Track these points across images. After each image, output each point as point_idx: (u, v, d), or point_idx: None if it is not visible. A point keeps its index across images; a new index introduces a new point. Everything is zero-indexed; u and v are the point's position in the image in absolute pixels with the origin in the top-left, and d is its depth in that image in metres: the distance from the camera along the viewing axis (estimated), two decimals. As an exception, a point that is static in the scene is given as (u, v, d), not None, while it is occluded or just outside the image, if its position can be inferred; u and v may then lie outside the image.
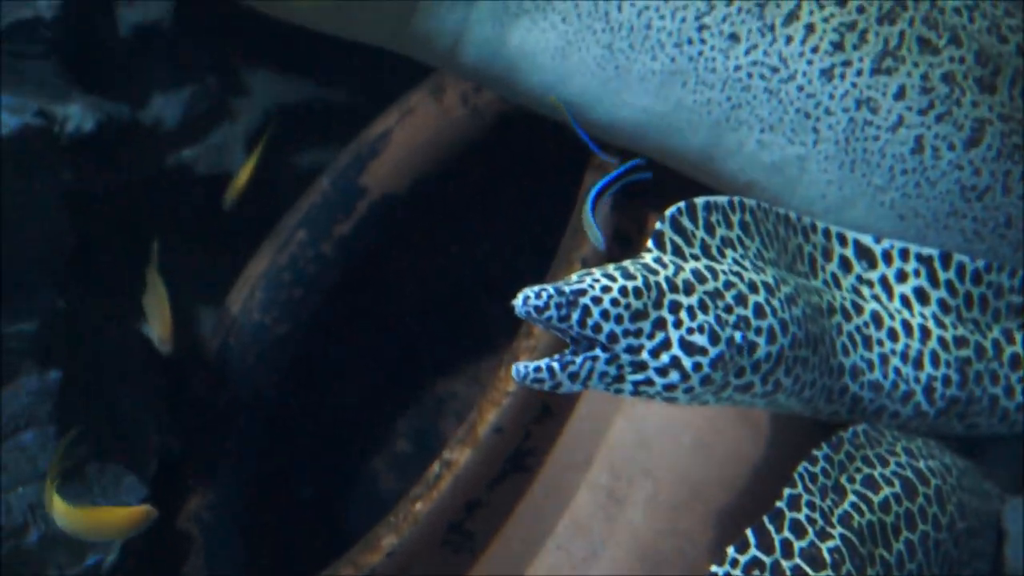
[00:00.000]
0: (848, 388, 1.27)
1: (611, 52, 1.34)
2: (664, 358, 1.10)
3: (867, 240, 1.32)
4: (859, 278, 1.33)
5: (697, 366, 1.11)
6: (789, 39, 1.34)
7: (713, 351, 1.12)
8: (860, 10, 1.34)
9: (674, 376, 1.11)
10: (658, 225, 1.15)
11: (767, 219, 1.23)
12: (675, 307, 1.11)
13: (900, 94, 1.34)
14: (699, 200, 1.17)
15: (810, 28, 1.34)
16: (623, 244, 1.39)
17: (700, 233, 1.17)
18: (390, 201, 1.73)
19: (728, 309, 1.14)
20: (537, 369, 1.07)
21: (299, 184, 1.83)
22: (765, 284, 1.18)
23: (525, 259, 1.80)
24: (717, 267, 1.16)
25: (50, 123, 1.54)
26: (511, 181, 1.77)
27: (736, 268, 1.17)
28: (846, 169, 1.36)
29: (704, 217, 1.18)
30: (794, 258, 1.27)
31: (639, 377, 1.10)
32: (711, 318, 1.12)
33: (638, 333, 1.10)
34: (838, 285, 1.31)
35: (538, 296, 1.07)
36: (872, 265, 1.32)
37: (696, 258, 1.16)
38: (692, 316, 1.12)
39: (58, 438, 1.42)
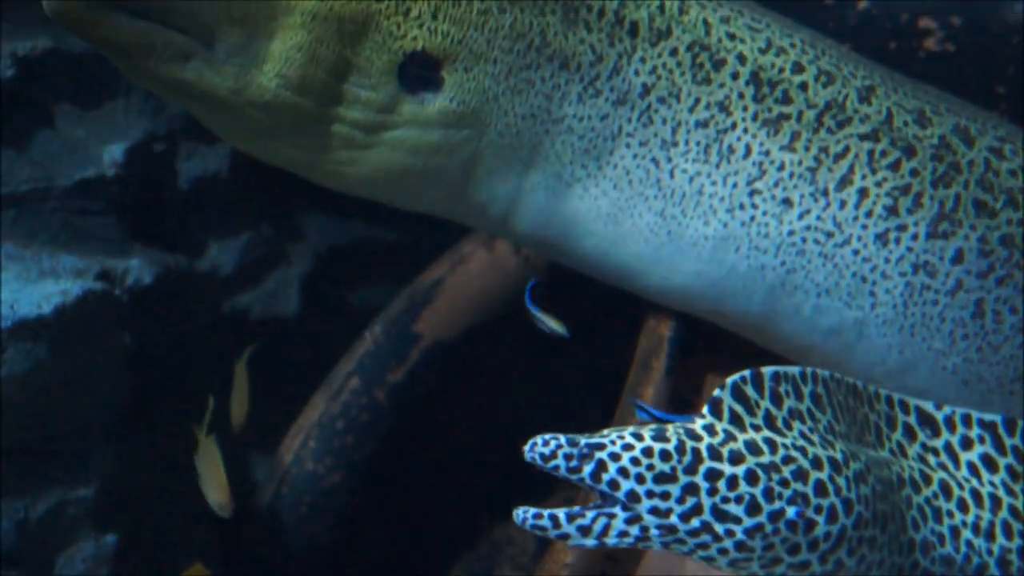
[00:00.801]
0: (919, 564, 1.24)
1: (663, 218, 1.35)
2: (695, 522, 1.08)
3: (928, 406, 1.30)
4: (924, 446, 1.30)
5: (730, 532, 1.08)
6: (843, 203, 1.34)
7: (749, 521, 1.09)
8: (913, 173, 1.34)
9: (706, 537, 1.08)
10: (716, 392, 1.13)
11: (839, 390, 1.22)
12: (713, 475, 1.09)
13: (958, 258, 1.33)
14: (767, 369, 1.15)
15: (863, 192, 1.34)
16: (681, 407, 1.38)
17: (765, 403, 1.15)
18: (443, 348, 1.74)
19: (784, 483, 1.12)
20: (537, 515, 1.04)
21: (351, 326, 1.85)
22: (831, 460, 1.16)
23: (582, 405, 1.79)
24: (778, 440, 1.14)
25: (111, 284, 1.58)
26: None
27: (801, 443, 1.16)
28: (906, 333, 1.34)
29: (771, 387, 1.16)
30: (863, 429, 1.25)
31: (669, 538, 1.07)
32: (758, 490, 1.10)
33: (664, 496, 1.07)
34: (904, 454, 1.29)
35: (545, 444, 1.05)
36: (935, 432, 1.30)
37: (758, 428, 1.15)
38: (732, 486, 1.09)
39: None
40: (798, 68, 1.35)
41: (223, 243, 1.79)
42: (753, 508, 1.09)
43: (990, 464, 1.31)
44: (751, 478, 1.10)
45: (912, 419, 1.29)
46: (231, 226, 1.80)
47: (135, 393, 1.57)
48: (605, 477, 1.05)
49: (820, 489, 1.14)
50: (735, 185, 1.34)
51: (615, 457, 1.06)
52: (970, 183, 1.34)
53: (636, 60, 1.33)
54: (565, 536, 1.05)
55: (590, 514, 1.05)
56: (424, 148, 1.30)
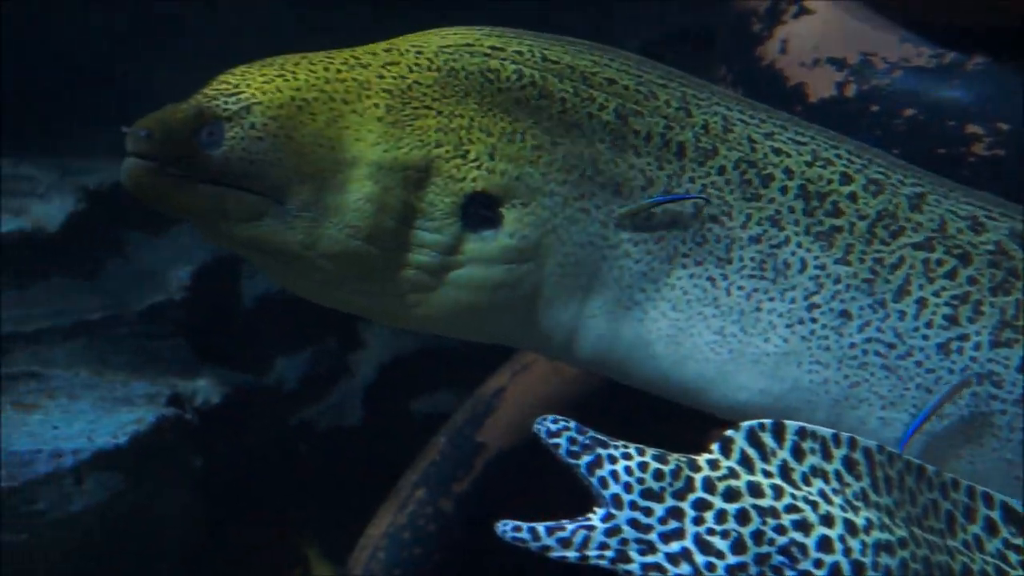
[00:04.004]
0: None
1: (723, 336, 1.36)
2: (675, 546, 1.09)
3: (1015, 504, 1.27)
4: (1006, 543, 1.28)
5: (711, 566, 1.09)
6: (902, 314, 1.34)
7: (732, 559, 1.09)
8: (971, 281, 1.33)
9: (686, 568, 1.09)
10: (729, 432, 1.15)
11: (890, 465, 1.21)
12: (701, 505, 1.10)
13: (1023, 366, 1.32)
14: (792, 423, 1.16)
15: (921, 303, 1.33)
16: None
17: (783, 454, 1.15)
18: (507, 457, 1.75)
19: (779, 530, 1.12)
20: (516, 528, 1.08)
21: (415, 435, 1.87)
22: (848, 522, 1.15)
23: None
24: (788, 489, 1.14)
25: (182, 408, 1.62)
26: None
27: (816, 498, 1.15)
28: (974, 444, 1.33)
29: (794, 441, 1.16)
30: (926, 512, 1.24)
31: (648, 560, 1.09)
32: (747, 530, 1.10)
33: (647, 512, 1.09)
34: (980, 548, 1.27)
35: (555, 422, 1.09)
36: (1021, 531, 1.27)
37: (768, 475, 1.15)
38: (720, 520, 1.10)
39: None
40: (846, 179, 1.36)
41: (288, 358, 1.83)
42: (738, 547, 1.09)
43: None
44: (742, 517, 1.10)
45: (996, 514, 1.26)
46: (295, 341, 1.84)
47: (206, 514, 1.61)
48: (598, 472, 1.09)
49: (824, 545, 1.12)
50: (793, 300, 1.35)
51: (612, 459, 1.10)
52: (1031, 289, 1.34)
53: (685, 180, 1.35)
54: (546, 548, 1.08)
55: (570, 526, 1.09)
56: (488, 284, 1.32)
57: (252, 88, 1.25)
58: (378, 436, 1.82)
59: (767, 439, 1.16)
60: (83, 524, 1.43)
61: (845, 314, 1.34)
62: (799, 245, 1.35)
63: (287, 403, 1.82)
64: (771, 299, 1.35)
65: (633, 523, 1.11)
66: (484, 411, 1.76)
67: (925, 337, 1.33)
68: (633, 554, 1.11)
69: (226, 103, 1.24)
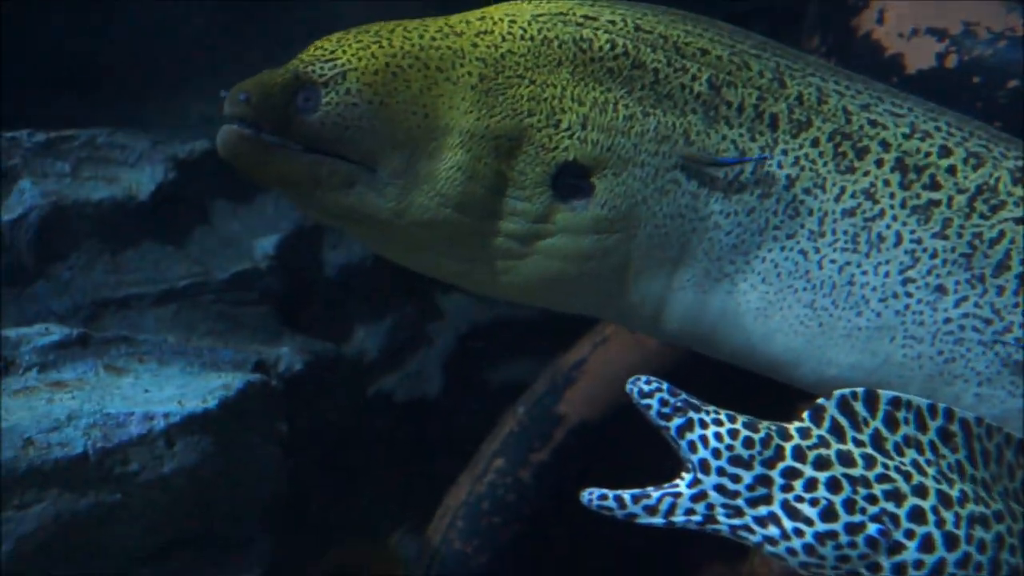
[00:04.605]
0: None
1: (814, 310, 1.34)
2: (762, 510, 1.10)
3: None
4: None
5: (799, 532, 1.09)
6: (1001, 290, 1.31)
7: (821, 526, 1.09)
8: (1074, 257, 1.31)
9: (773, 530, 1.10)
10: (821, 400, 1.15)
11: (988, 438, 1.19)
12: (791, 473, 1.10)
13: (1125, 344, 1.29)
14: (886, 392, 1.15)
15: (1022, 278, 1.31)
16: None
17: (876, 423, 1.15)
18: (587, 428, 1.75)
19: (871, 499, 1.11)
20: (603, 496, 1.10)
21: (494, 405, 1.88)
22: (942, 494, 1.13)
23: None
24: (880, 459, 1.14)
25: (267, 374, 1.64)
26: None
27: (908, 468, 1.14)
28: (1075, 420, 1.30)
29: (887, 410, 1.15)
30: None
31: (736, 522, 1.10)
32: (839, 498, 1.10)
33: (735, 478, 1.10)
34: None
35: (648, 382, 1.11)
36: None
37: (860, 444, 1.14)
38: (810, 488, 1.10)
39: None
40: (945, 152, 1.33)
41: (369, 327, 1.85)
42: (828, 514, 1.09)
43: None
44: (833, 485, 1.10)
45: None
46: (376, 311, 1.85)
47: (290, 478, 1.63)
48: (688, 436, 1.10)
49: (916, 515, 1.12)
50: (887, 274, 1.33)
51: (703, 424, 1.10)
52: None
53: (778, 152, 1.33)
54: (632, 516, 1.10)
55: (656, 494, 1.10)
56: (577, 254, 1.32)
57: (348, 54, 1.26)
58: (456, 406, 1.83)
59: (859, 408, 1.15)
60: (174, 485, 1.45)
61: (941, 289, 1.32)
62: (894, 218, 1.33)
63: (368, 372, 1.84)
64: (864, 273, 1.33)
65: (720, 488, 1.11)
66: (564, 382, 1.76)
67: (1024, 313, 1.31)
68: (721, 517, 1.11)
69: (322, 68, 1.25)
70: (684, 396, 1.13)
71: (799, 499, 1.11)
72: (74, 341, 1.49)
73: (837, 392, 1.15)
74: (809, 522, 1.10)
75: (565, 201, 1.30)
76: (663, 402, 1.12)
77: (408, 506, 1.84)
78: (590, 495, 1.11)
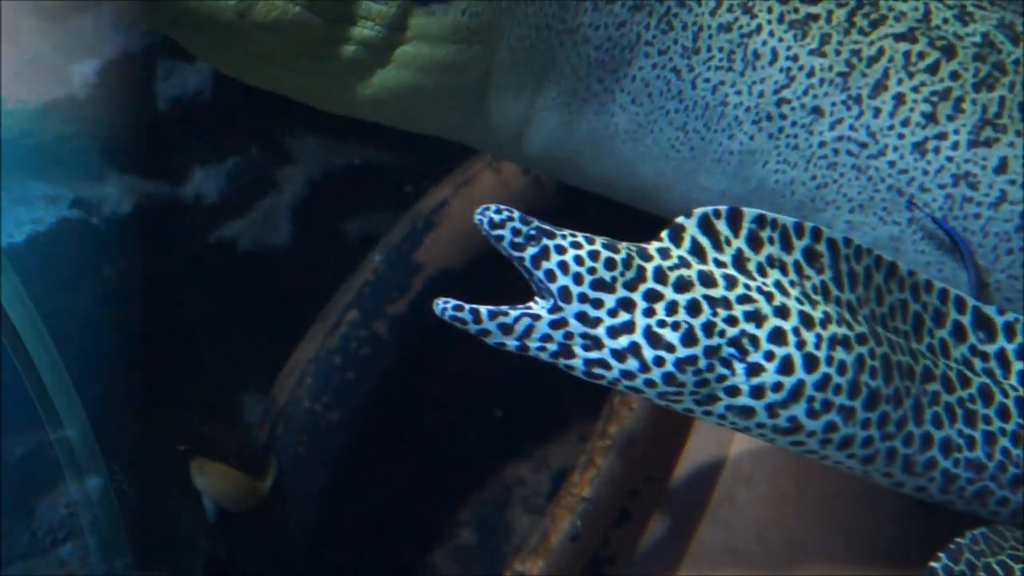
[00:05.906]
0: (937, 463, 1.16)
1: (685, 133, 1.24)
2: (623, 340, 1.03)
3: (989, 310, 1.20)
4: (972, 349, 1.21)
5: (659, 360, 1.04)
6: (877, 111, 1.23)
7: (683, 351, 1.04)
8: (954, 76, 1.23)
9: (632, 363, 1.04)
10: (679, 219, 1.08)
11: (857, 259, 1.13)
12: (653, 296, 1.04)
13: (1001, 167, 1.23)
14: (751, 210, 1.08)
15: (899, 99, 1.23)
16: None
17: (738, 243, 1.08)
18: (447, 277, 1.64)
19: (731, 321, 1.06)
20: (458, 307, 1.02)
21: (348, 256, 1.75)
22: (804, 315, 1.08)
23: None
24: (741, 279, 1.08)
25: (87, 212, 1.47)
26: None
27: (770, 289, 1.08)
28: (945, 249, 1.25)
29: (751, 229, 1.09)
30: (892, 311, 1.16)
31: (593, 356, 1.03)
32: (698, 321, 1.05)
33: (597, 304, 1.03)
34: (946, 353, 1.20)
35: (498, 211, 1.03)
36: (991, 337, 1.21)
37: (721, 264, 1.08)
38: (671, 311, 1.04)
39: (99, 551, 1.35)
40: None
41: (207, 169, 1.68)
42: (688, 339, 1.04)
43: None
44: (693, 308, 1.05)
45: (966, 319, 1.19)
46: (216, 151, 1.69)
47: (117, 329, 1.48)
48: (544, 265, 1.03)
49: (776, 336, 1.07)
50: (761, 94, 1.24)
51: (560, 250, 1.03)
52: (1016, 85, 1.24)
53: None
54: (485, 332, 1.02)
55: (514, 313, 1.03)
56: (434, 65, 1.19)
57: None
58: (307, 256, 1.69)
59: (721, 227, 1.08)
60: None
61: (817, 110, 1.24)
62: (771, 34, 1.23)
63: (207, 217, 1.68)
64: (738, 93, 1.24)
65: (581, 316, 1.03)
66: (424, 227, 1.64)
67: (901, 136, 1.23)
68: (577, 349, 1.03)
69: None
70: (537, 223, 1.04)
71: (661, 323, 1.04)
72: None
73: (698, 210, 1.07)
74: (671, 348, 1.04)
75: (424, 4, 1.17)
76: (515, 231, 1.03)
77: (253, 363, 1.71)
78: (444, 303, 1.02)
